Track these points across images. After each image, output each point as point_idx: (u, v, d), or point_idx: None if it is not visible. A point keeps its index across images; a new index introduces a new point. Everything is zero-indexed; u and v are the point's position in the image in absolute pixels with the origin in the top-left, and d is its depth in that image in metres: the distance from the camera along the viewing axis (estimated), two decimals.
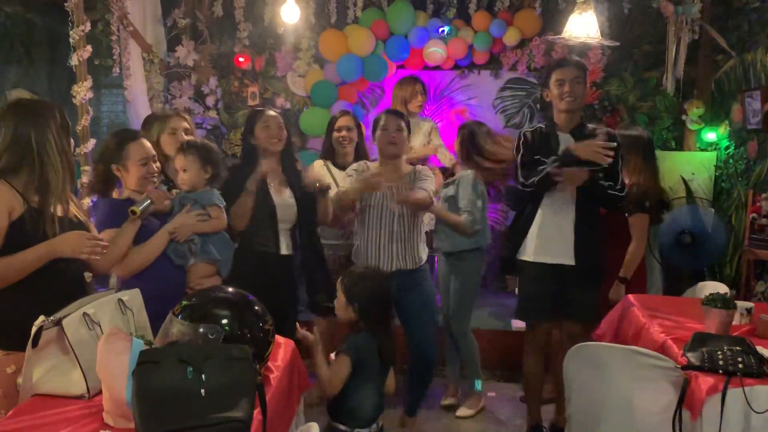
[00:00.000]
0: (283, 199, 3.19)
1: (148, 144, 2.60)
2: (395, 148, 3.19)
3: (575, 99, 3.08)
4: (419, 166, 3.35)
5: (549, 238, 3.13)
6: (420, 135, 4.63)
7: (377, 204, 3.19)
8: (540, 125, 3.24)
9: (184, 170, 2.69)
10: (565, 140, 3.11)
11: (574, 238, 3.09)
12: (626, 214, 3.49)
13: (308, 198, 3.24)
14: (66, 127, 2.19)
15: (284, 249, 3.21)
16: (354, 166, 3.39)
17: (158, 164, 2.63)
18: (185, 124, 3.14)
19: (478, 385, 3.80)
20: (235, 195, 3.02)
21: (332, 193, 3.36)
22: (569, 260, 3.09)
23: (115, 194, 2.65)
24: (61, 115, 2.19)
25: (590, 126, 3.20)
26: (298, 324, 2.60)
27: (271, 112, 3.21)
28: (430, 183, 3.24)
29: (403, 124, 3.21)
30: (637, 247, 3.49)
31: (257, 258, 3.09)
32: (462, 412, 3.77)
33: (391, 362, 2.49)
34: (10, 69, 5.54)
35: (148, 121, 3.25)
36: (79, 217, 2.26)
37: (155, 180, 2.59)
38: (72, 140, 2.26)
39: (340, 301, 2.43)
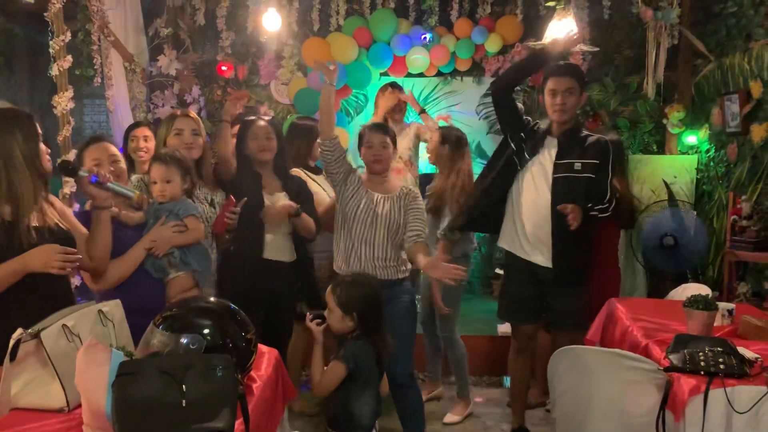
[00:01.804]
0: (276, 203, 3.16)
1: (106, 147, 2.58)
2: (381, 165, 3.12)
3: (565, 111, 3.09)
4: (409, 187, 3.22)
5: (526, 233, 3.16)
6: (406, 139, 4.64)
7: (361, 214, 3.08)
8: (542, 126, 3.24)
9: (167, 181, 2.63)
10: (550, 144, 3.15)
11: (552, 241, 3.08)
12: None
13: (303, 203, 3.20)
14: (34, 136, 2.13)
15: (272, 254, 3.15)
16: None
17: (120, 165, 2.59)
18: (193, 125, 3.04)
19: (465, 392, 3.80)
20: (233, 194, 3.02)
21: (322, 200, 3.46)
22: (547, 263, 3.11)
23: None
24: (28, 123, 2.13)
25: (583, 133, 3.16)
26: (308, 314, 2.50)
27: (260, 122, 3.20)
28: (422, 219, 3.09)
29: (387, 140, 3.12)
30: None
31: (249, 263, 3.09)
32: (449, 418, 3.77)
33: (385, 367, 2.48)
34: None
35: (160, 123, 3.23)
36: (61, 225, 2.21)
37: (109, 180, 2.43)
38: (46, 148, 2.22)
39: (334, 313, 2.38)
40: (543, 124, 3.24)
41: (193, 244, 2.63)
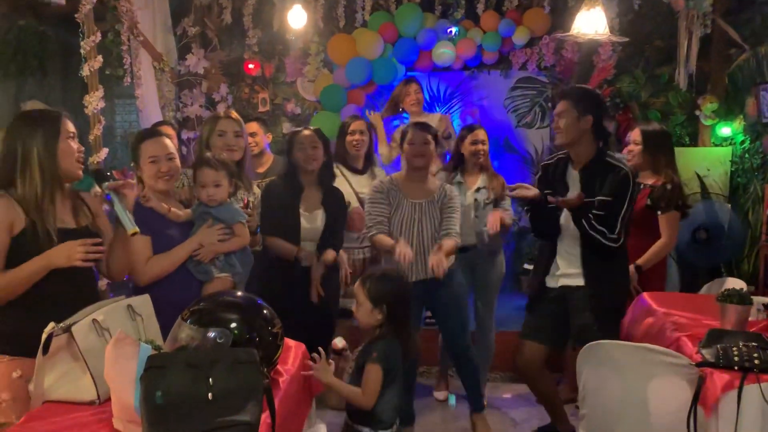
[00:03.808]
0: (313, 222, 3.30)
1: (165, 142, 2.58)
2: (422, 160, 3.29)
3: (561, 134, 2.96)
4: (446, 187, 3.40)
5: (558, 266, 3.07)
6: None
7: (400, 217, 3.28)
8: (561, 156, 3.09)
9: (217, 185, 2.65)
10: (573, 179, 3.00)
11: (581, 261, 2.96)
12: (658, 212, 3.34)
13: (337, 220, 3.39)
14: (56, 135, 2.14)
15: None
16: (377, 184, 3.39)
17: (175, 162, 2.59)
18: (235, 127, 3.09)
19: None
20: (274, 210, 3.20)
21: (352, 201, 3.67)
22: (579, 281, 2.97)
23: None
24: (54, 123, 2.15)
25: (609, 161, 2.92)
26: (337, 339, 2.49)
27: (306, 132, 3.33)
28: (457, 216, 3.30)
29: (429, 137, 3.29)
30: (666, 244, 3.36)
31: (281, 270, 3.23)
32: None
33: (414, 364, 2.47)
34: (24, 81, 5.60)
35: (204, 122, 3.28)
36: (90, 227, 2.24)
37: (167, 179, 2.55)
38: (79, 146, 2.25)
39: (364, 306, 2.39)
40: (561, 154, 3.10)
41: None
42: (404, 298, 2.41)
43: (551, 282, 3.07)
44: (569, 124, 2.90)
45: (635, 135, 3.49)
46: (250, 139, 3.93)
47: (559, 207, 2.95)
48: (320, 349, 2.27)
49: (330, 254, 3.28)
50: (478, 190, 3.76)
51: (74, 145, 2.21)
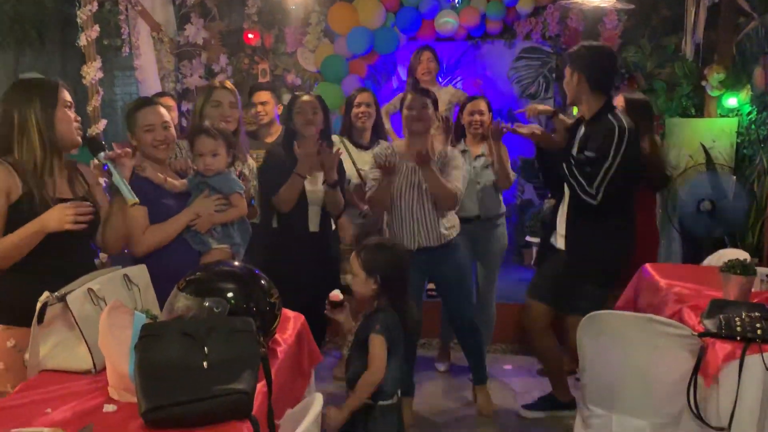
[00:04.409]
0: (316, 185, 3.27)
1: (160, 110, 2.54)
2: (421, 125, 3.21)
3: (567, 95, 3.06)
4: (447, 149, 3.36)
5: (556, 225, 3.12)
6: (439, 105, 4.51)
7: (401, 186, 3.24)
8: (580, 116, 3.12)
9: (214, 155, 2.61)
10: (579, 133, 3.02)
11: (566, 225, 3.01)
12: None
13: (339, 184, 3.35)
14: (53, 104, 2.11)
15: (313, 227, 3.31)
16: (377, 151, 3.34)
17: (171, 131, 2.56)
18: (231, 97, 3.04)
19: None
20: (273, 177, 3.18)
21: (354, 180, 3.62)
22: (561, 245, 3.05)
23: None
24: (51, 92, 2.12)
25: (608, 116, 2.88)
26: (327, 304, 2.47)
27: (306, 97, 3.30)
28: (458, 173, 3.24)
29: (428, 102, 3.23)
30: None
31: (290, 236, 3.24)
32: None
33: (414, 334, 2.44)
34: (23, 52, 5.56)
35: (198, 92, 3.23)
36: (87, 197, 2.22)
37: (163, 148, 2.52)
38: (75, 116, 2.21)
39: (358, 276, 2.37)
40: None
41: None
42: (400, 268, 2.38)
43: (554, 241, 3.11)
44: (566, 83, 3.00)
45: (619, 101, 3.48)
46: (260, 108, 3.98)
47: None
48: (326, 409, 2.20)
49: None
50: (477, 158, 3.73)
51: (71, 113, 2.19)
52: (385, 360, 2.26)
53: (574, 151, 2.97)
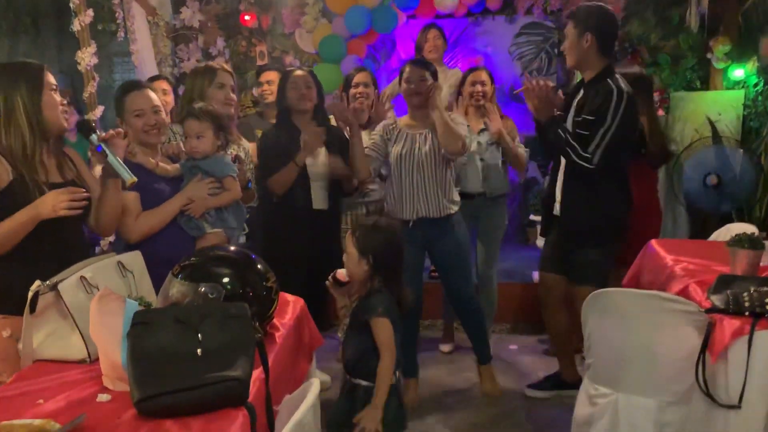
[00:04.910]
0: (317, 160, 3.23)
1: (149, 94, 2.49)
2: (419, 97, 3.15)
3: (567, 56, 2.98)
4: (452, 114, 3.30)
5: (556, 188, 3.09)
6: (444, 86, 4.41)
7: (400, 153, 3.18)
8: (580, 81, 3.09)
9: (198, 137, 2.56)
10: (578, 95, 2.99)
11: (562, 192, 2.99)
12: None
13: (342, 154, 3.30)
14: (40, 88, 2.07)
15: (318, 204, 3.26)
16: (377, 127, 3.33)
17: (161, 116, 2.51)
18: (231, 81, 3.03)
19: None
20: (271, 158, 3.14)
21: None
22: (557, 212, 3.04)
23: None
24: (37, 75, 2.08)
25: (608, 80, 2.84)
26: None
27: (299, 72, 3.25)
28: (462, 128, 3.19)
29: (426, 74, 3.15)
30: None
31: (291, 213, 3.20)
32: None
33: (415, 315, 2.39)
34: (18, 40, 5.51)
35: (193, 73, 3.17)
36: (77, 182, 2.18)
37: (154, 133, 2.47)
38: (62, 99, 2.17)
39: (351, 257, 2.33)
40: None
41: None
42: (394, 249, 2.33)
43: (556, 212, 3.09)
44: (571, 44, 2.90)
45: None
46: (266, 87, 4.02)
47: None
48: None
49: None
50: (480, 132, 3.66)
51: (57, 97, 2.15)
52: (393, 341, 2.22)
53: (571, 114, 2.93)
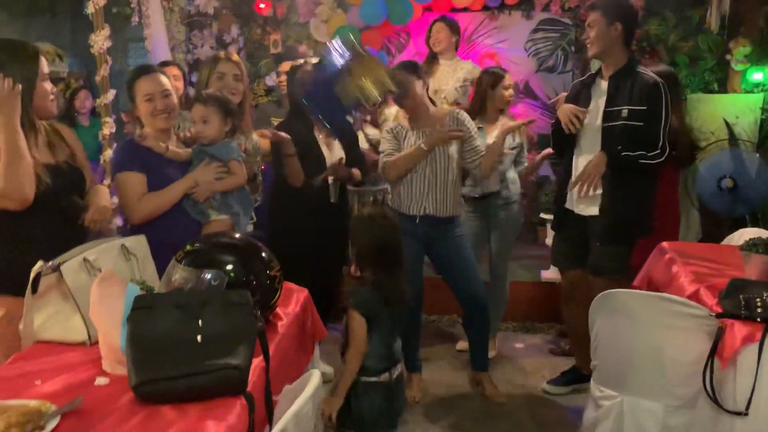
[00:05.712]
0: (333, 151, 3.28)
1: (159, 79, 2.47)
2: (408, 101, 3.14)
3: (591, 45, 2.94)
4: (457, 110, 3.26)
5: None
6: (453, 78, 4.35)
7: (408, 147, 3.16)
8: (591, 73, 3.11)
9: (204, 121, 2.55)
10: (599, 90, 2.98)
11: (602, 189, 2.94)
12: None
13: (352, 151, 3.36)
14: (34, 74, 2.06)
15: (334, 197, 3.30)
16: (387, 127, 3.31)
17: (171, 100, 2.49)
18: (235, 69, 2.97)
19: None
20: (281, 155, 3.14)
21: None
22: (594, 211, 2.98)
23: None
24: (32, 61, 2.07)
25: (638, 72, 2.90)
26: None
27: (309, 67, 3.24)
28: (477, 143, 3.21)
29: (411, 78, 3.10)
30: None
31: (309, 206, 3.20)
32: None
33: (402, 311, 2.37)
34: (33, 22, 5.50)
35: (203, 63, 3.17)
36: (70, 162, 2.17)
37: (164, 117, 2.46)
38: (52, 87, 2.17)
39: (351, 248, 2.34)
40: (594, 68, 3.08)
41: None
42: (384, 243, 2.29)
43: (570, 204, 3.08)
44: (599, 33, 2.90)
45: None
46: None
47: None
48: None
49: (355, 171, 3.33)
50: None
51: (48, 86, 2.15)
52: (363, 334, 2.21)
53: (601, 105, 2.92)
